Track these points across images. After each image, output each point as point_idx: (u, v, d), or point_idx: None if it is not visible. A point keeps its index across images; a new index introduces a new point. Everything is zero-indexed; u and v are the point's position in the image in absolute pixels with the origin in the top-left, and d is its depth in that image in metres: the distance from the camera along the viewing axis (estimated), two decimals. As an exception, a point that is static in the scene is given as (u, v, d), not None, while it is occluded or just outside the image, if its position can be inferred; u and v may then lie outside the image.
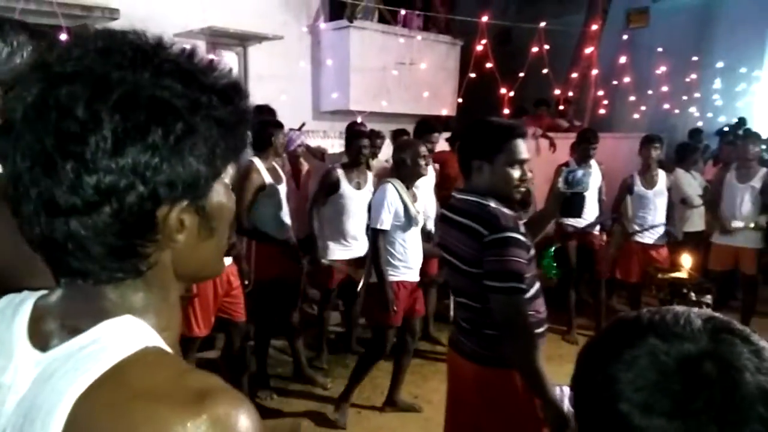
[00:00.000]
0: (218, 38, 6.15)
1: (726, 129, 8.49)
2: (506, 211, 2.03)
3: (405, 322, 3.65)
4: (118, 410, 0.56)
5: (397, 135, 5.80)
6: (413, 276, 3.59)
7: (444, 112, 7.60)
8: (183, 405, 0.57)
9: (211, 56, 0.73)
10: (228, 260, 3.33)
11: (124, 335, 0.63)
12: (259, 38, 6.35)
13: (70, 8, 4.80)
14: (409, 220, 3.51)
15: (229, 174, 0.72)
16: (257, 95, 6.01)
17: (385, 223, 3.44)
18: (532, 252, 2.04)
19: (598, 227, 5.15)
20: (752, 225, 4.92)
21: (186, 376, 0.61)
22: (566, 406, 2.43)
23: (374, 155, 5.45)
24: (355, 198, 4.24)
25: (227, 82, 0.69)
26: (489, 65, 6.73)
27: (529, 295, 2.00)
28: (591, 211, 5.08)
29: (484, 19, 6.70)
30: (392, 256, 3.52)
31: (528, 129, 6.70)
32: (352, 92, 6.77)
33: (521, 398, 2.00)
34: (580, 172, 2.22)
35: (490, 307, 1.97)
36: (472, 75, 6.87)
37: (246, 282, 3.49)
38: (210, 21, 5.79)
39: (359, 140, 4.21)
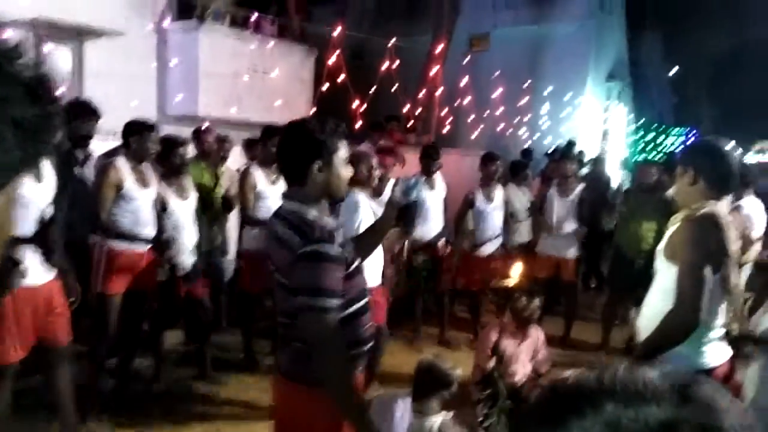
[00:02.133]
0: (49, 30, 5.62)
1: (553, 150, 9.41)
2: (327, 220, 1.96)
3: None
4: None
5: (250, 143, 5.68)
6: None
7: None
8: None
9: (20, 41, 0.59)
10: (50, 275, 3.02)
11: None
12: (97, 33, 5.90)
13: None
14: None
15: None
16: (95, 94, 5.61)
17: None
18: (356, 264, 1.99)
19: (442, 239, 5.42)
20: (572, 245, 5.51)
21: None
22: (400, 416, 2.53)
23: (223, 159, 5.25)
24: (183, 210, 4.06)
25: (35, 75, 0.57)
26: (342, 77, 6.87)
27: (349, 311, 1.94)
28: (436, 224, 5.34)
29: (338, 29, 6.82)
30: None
31: (386, 141, 6.94)
32: (201, 97, 6.53)
33: (326, 420, 1.90)
34: (412, 181, 2.33)
35: (299, 323, 1.89)
36: (326, 86, 6.97)
37: (72, 299, 3.20)
38: (40, 11, 5.27)
39: (178, 149, 4.00)
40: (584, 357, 5.19)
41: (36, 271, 2.86)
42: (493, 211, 5.47)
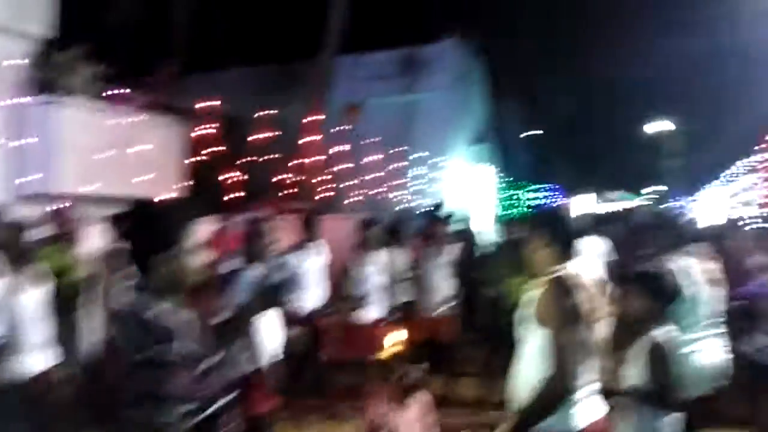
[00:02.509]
0: None
1: (428, 210, 9.80)
2: (174, 317, 1.85)
3: None
4: None
5: (118, 220, 5.37)
6: None
7: (167, 196, 7.30)
8: None
9: None
10: None
11: None
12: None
13: None
14: None
15: None
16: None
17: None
18: (215, 360, 1.90)
19: (326, 309, 5.38)
20: (449, 303, 5.66)
21: None
22: None
23: (68, 240, 4.83)
24: (33, 301, 3.64)
25: None
26: (216, 149, 6.78)
27: (207, 413, 1.83)
28: (317, 293, 5.31)
29: (212, 102, 6.77)
30: None
31: (265, 212, 6.86)
32: (60, 174, 6.12)
33: None
34: (279, 261, 2.25)
35: None
36: (198, 158, 6.83)
37: None
38: None
39: (24, 234, 3.70)
40: (469, 414, 5.28)
41: None
42: (373, 275, 5.53)
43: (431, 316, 5.69)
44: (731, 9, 14.39)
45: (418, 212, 9.66)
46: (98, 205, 6.07)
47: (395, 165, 10.09)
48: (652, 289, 2.72)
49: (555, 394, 2.18)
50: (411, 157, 10.75)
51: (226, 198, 6.90)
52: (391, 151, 10.06)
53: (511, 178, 16.40)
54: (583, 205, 22.19)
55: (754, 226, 7.01)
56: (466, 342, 7.62)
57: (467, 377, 5.90)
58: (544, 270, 2.39)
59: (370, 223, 5.62)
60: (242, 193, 7.03)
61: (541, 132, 22.57)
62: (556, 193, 22.16)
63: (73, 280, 4.60)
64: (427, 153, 11.14)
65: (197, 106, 6.87)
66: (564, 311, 2.21)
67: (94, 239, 5.06)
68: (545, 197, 20.01)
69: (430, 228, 6.18)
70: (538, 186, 18.91)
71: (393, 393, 3.82)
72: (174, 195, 7.45)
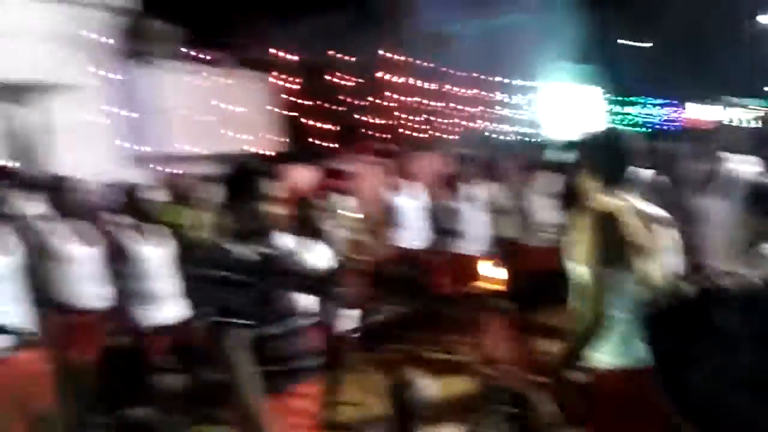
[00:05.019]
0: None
1: (528, 140, 9.30)
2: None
3: None
4: None
5: (226, 177, 5.50)
6: None
7: (263, 151, 7.37)
8: None
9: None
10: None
11: None
12: (48, 87, 5.79)
13: None
14: None
15: None
16: (55, 148, 5.46)
17: None
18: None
19: (430, 246, 5.34)
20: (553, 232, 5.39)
21: None
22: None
23: (184, 199, 4.96)
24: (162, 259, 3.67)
25: None
26: (302, 99, 6.75)
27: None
28: (419, 232, 5.25)
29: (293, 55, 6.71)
30: None
31: (357, 156, 6.83)
32: (163, 136, 6.40)
33: None
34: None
35: None
36: (287, 110, 6.85)
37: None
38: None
39: (138, 195, 3.70)
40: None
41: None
42: (473, 210, 5.40)
43: (536, 246, 5.48)
44: None
45: (517, 142, 9.23)
46: (202, 164, 6.32)
47: (487, 95, 9.63)
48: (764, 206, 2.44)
49: (587, 328, 2.02)
50: (503, 85, 10.22)
51: (318, 146, 6.93)
52: (481, 80, 9.60)
53: (620, 96, 15.26)
54: (702, 115, 20.17)
55: None
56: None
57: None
58: (588, 201, 2.12)
59: (466, 158, 5.45)
60: (332, 140, 7.01)
61: (646, 42, 20.72)
62: (672, 105, 20.36)
63: (195, 238, 4.71)
64: (518, 80, 10.55)
65: (278, 57, 6.77)
66: (600, 247, 1.98)
67: (209, 197, 5.21)
68: (659, 112, 18.51)
69: (530, 158, 5.88)
70: (650, 101, 17.47)
71: (505, 325, 3.76)
72: (273, 149, 7.60)
